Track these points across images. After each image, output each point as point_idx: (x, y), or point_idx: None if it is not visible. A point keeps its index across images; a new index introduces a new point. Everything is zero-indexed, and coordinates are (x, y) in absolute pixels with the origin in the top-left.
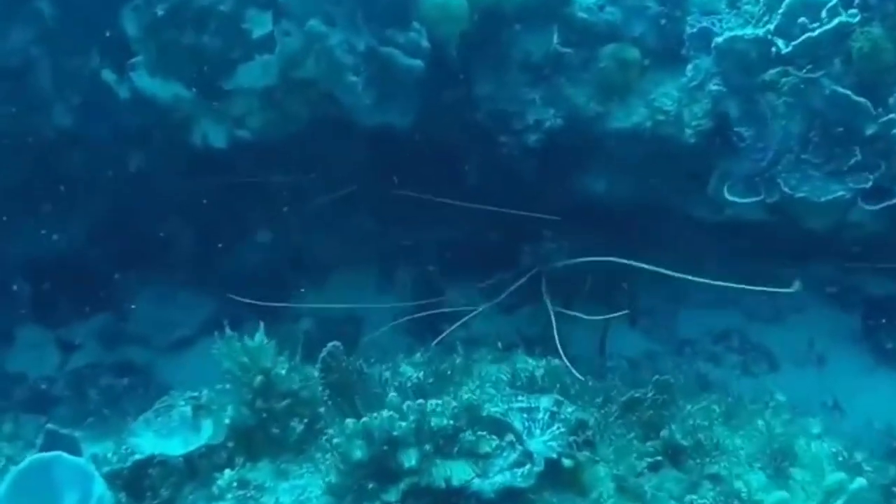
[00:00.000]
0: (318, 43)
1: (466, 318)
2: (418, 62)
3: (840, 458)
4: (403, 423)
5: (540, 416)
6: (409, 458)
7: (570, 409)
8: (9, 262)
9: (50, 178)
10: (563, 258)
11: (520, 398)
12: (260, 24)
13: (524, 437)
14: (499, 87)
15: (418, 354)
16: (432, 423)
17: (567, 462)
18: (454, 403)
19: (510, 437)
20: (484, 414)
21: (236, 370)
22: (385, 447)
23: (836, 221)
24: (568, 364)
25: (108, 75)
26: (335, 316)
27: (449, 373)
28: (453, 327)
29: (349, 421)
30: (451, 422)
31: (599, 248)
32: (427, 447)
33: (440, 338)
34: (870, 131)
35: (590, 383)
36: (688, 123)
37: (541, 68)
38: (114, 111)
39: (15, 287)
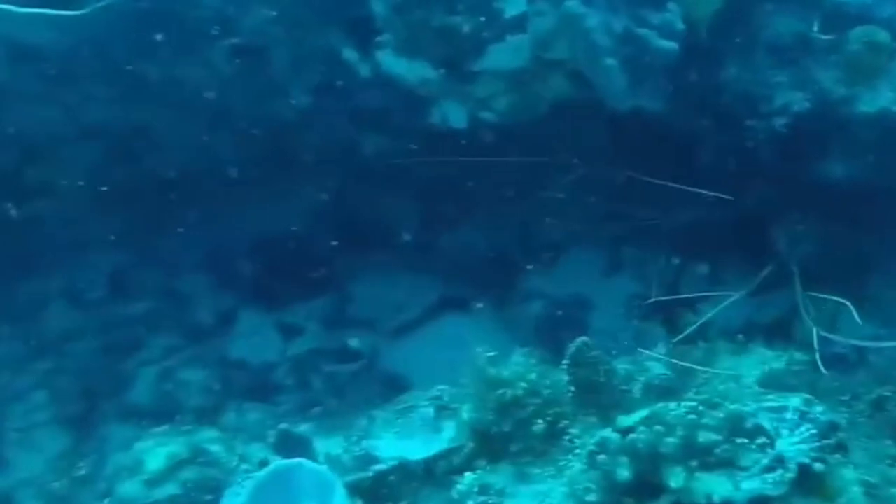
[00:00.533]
0: (575, 24)
1: (720, 307)
2: (673, 44)
3: None
4: (672, 440)
5: (789, 416)
6: (677, 478)
7: (819, 409)
8: (237, 244)
9: (284, 159)
10: (814, 242)
11: (769, 397)
12: (513, 4)
13: (775, 439)
14: (747, 69)
15: (659, 345)
16: (700, 439)
17: (818, 467)
18: (720, 415)
19: (762, 439)
20: (746, 420)
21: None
22: (650, 465)
23: None
24: (818, 359)
25: (349, 54)
26: (564, 299)
27: (691, 368)
28: (705, 318)
29: (612, 435)
30: (719, 437)
31: (840, 233)
32: (693, 463)
33: (690, 329)
34: None
35: (833, 378)
36: None
37: (790, 50)
38: (353, 91)
39: (240, 268)
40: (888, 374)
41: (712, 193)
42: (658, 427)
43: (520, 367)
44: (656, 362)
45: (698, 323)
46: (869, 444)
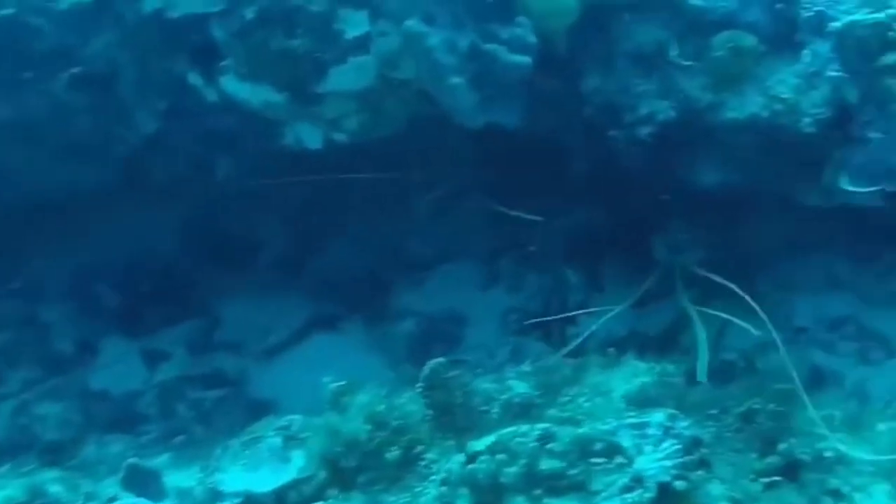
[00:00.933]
0: (417, 43)
1: (602, 320)
2: (526, 58)
3: None
4: (512, 469)
5: (652, 431)
6: None
7: (684, 424)
8: (94, 271)
9: (139, 184)
10: (698, 250)
11: (630, 413)
12: (354, 25)
13: (633, 457)
14: (608, 79)
15: (526, 364)
16: (543, 467)
17: (680, 485)
18: (576, 435)
19: (620, 458)
20: (596, 442)
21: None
22: (492, 496)
23: None
24: (704, 369)
25: (194, 79)
26: (438, 314)
27: (557, 384)
28: (588, 332)
29: (455, 465)
30: (564, 464)
31: (723, 240)
32: (537, 492)
33: (570, 346)
34: None
35: (705, 391)
36: (806, 112)
37: (652, 59)
38: (200, 116)
39: (100, 296)
40: (761, 386)
41: (527, 216)
42: (501, 455)
43: (368, 397)
44: (519, 381)
45: (581, 338)
46: (735, 458)
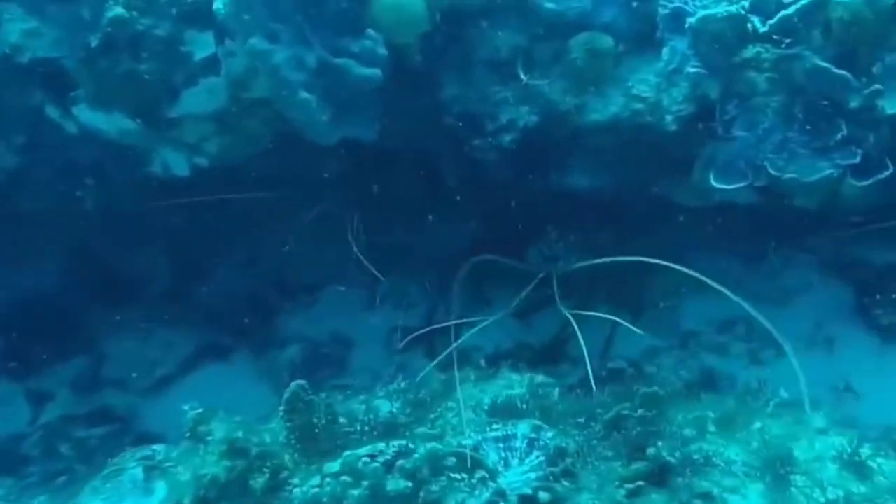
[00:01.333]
0: (263, 61)
1: (472, 331)
2: (376, 71)
3: (844, 457)
4: (356, 492)
5: (518, 444)
6: None
7: (549, 435)
8: None
9: (7, 221)
10: (573, 257)
11: (495, 426)
12: (202, 47)
13: (499, 471)
14: (467, 88)
15: (396, 382)
16: (388, 488)
17: (543, 496)
18: (416, 454)
19: (481, 473)
20: (448, 459)
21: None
22: None
23: (828, 198)
24: (591, 377)
25: (51, 111)
26: (323, 339)
27: (428, 401)
28: (455, 345)
29: (307, 487)
30: (409, 483)
31: (602, 245)
32: None
33: (438, 358)
34: (854, 104)
35: (574, 400)
36: (668, 109)
37: (511, 65)
38: (62, 148)
39: None
40: (630, 391)
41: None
42: (345, 478)
43: (226, 425)
44: (387, 400)
45: (449, 350)
46: (603, 466)
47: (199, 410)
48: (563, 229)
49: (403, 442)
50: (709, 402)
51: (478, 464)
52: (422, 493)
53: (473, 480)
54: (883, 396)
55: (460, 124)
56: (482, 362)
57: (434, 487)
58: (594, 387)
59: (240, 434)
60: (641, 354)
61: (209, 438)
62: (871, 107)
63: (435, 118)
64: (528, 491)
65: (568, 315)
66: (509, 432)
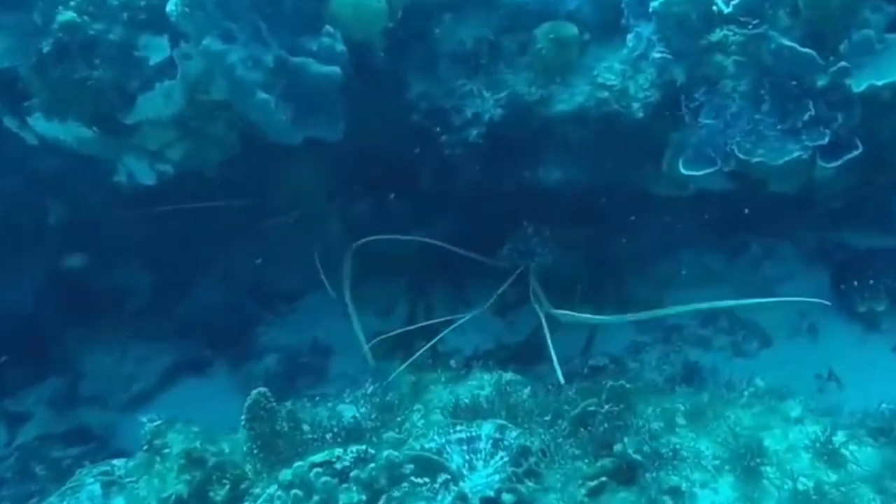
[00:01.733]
0: (219, 62)
1: (447, 330)
2: (335, 69)
3: (818, 446)
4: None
5: (482, 445)
6: None
7: (513, 435)
8: None
9: None
10: (550, 253)
11: (458, 428)
12: (156, 51)
13: (464, 473)
14: (432, 83)
15: (365, 387)
16: (343, 501)
17: (507, 498)
18: (371, 465)
19: (444, 476)
20: (407, 466)
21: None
22: None
23: (803, 182)
24: (559, 375)
25: (9, 122)
26: (301, 348)
27: (395, 404)
28: (430, 343)
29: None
30: (363, 497)
31: (580, 239)
32: None
33: (409, 360)
34: (821, 83)
35: (541, 397)
36: (634, 96)
37: (476, 58)
38: (22, 160)
39: None
40: (597, 387)
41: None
42: (296, 491)
43: (182, 436)
44: (352, 406)
45: (424, 348)
46: (568, 464)
47: (157, 423)
48: (538, 224)
49: (363, 447)
50: (680, 395)
51: (439, 467)
52: (381, 501)
53: (436, 485)
54: (864, 384)
55: (428, 121)
56: (452, 363)
57: (395, 493)
58: (562, 381)
59: (197, 444)
60: (624, 350)
61: (166, 452)
62: (838, 85)
63: (402, 116)
64: (491, 493)
65: (540, 314)
66: (473, 433)
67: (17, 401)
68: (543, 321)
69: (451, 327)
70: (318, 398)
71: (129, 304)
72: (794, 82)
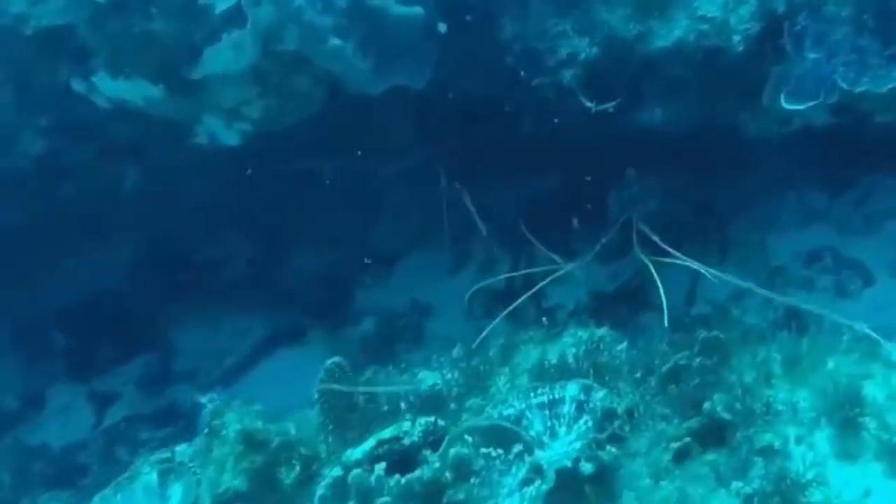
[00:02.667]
0: (285, 5)
1: (545, 281)
2: (417, 9)
3: None
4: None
5: (565, 409)
6: None
7: (599, 396)
8: (45, 316)
9: (42, 213)
10: (655, 199)
11: (540, 392)
12: None
13: (544, 441)
14: (524, 24)
15: (456, 349)
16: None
17: (586, 467)
18: (437, 463)
19: (518, 447)
20: (493, 433)
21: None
22: None
23: None
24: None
25: (78, 85)
26: (399, 309)
27: (483, 368)
28: (526, 295)
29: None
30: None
31: (682, 184)
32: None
33: (495, 322)
34: None
35: (634, 352)
36: (735, 29)
37: None
38: (94, 126)
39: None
40: (692, 339)
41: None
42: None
43: (240, 417)
44: (432, 372)
45: (517, 302)
46: (656, 425)
47: (217, 403)
48: (641, 169)
49: (432, 419)
50: (779, 342)
51: (515, 437)
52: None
53: (510, 457)
54: None
55: (522, 64)
56: (544, 320)
57: (471, 468)
58: (667, 325)
59: (259, 425)
60: (728, 297)
61: (223, 434)
62: None
63: (496, 59)
64: (569, 463)
65: (646, 261)
66: (556, 396)
67: (106, 381)
68: (651, 268)
69: (549, 279)
70: (404, 365)
71: (229, 276)
72: None
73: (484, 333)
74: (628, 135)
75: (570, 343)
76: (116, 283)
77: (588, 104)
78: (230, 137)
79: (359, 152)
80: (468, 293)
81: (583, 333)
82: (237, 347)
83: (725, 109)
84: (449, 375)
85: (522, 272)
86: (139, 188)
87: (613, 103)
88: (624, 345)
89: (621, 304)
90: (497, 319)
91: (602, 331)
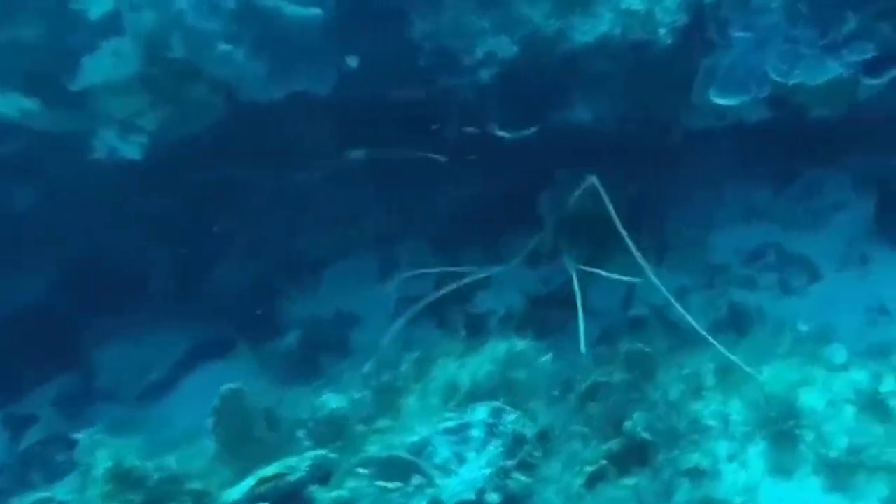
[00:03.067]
0: (166, 8)
1: (460, 283)
2: (315, 11)
3: (863, 397)
4: None
5: (474, 434)
6: None
7: (511, 418)
8: None
9: None
10: (587, 199)
11: (448, 416)
12: (97, 3)
13: (450, 470)
14: (438, 21)
15: (368, 365)
16: None
17: (492, 498)
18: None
19: (418, 479)
20: (391, 465)
21: None
22: None
23: (848, 104)
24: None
25: None
26: (325, 319)
27: (394, 386)
28: (428, 300)
29: None
30: None
31: (615, 182)
32: None
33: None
34: None
35: (554, 367)
36: (661, 21)
37: None
38: None
39: None
40: (611, 355)
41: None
42: None
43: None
44: (337, 394)
45: (423, 303)
46: (572, 447)
47: (89, 438)
48: (572, 170)
49: (323, 453)
50: (715, 349)
51: (413, 468)
52: None
53: (409, 489)
54: None
55: (435, 63)
56: (464, 332)
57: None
58: (583, 350)
59: (133, 462)
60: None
61: (94, 472)
62: None
63: (408, 60)
64: (472, 496)
65: (571, 271)
66: (466, 420)
67: (23, 403)
68: (575, 280)
69: (464, 282)
70: (318, 384)
71: (152, 289)
72: None
73: (389, 338)
74: (557, 134)
75: (488, 359)
76: (33, 303)
77: (501, 133)
78: (130, 150)
79: (271, 159)
80: (393, 294)
81: (503, 347)
82: (160, 363)
83: (658, 105)
84: (358, 395)
85: (436, 270)
86: (39, 207)
87: (529, 131)
88: (547, 358)
89: (555, 309)
90: (399, 323)
91: (523, 343)
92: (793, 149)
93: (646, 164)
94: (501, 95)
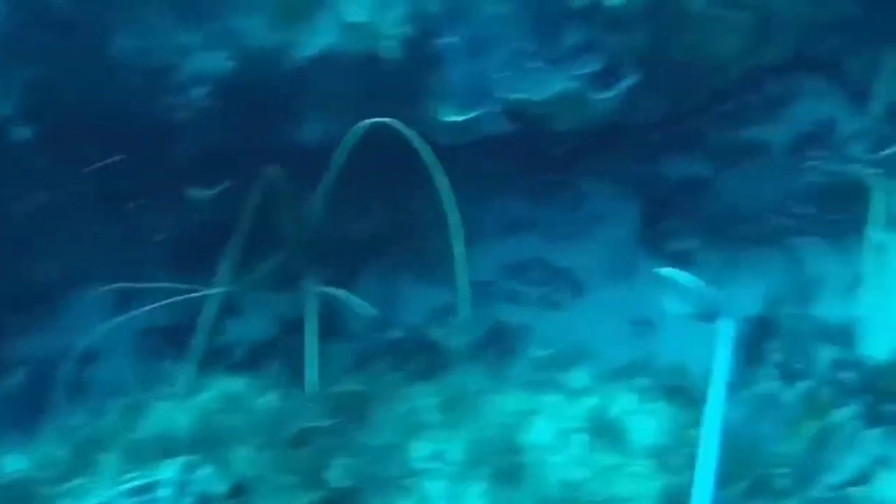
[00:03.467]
0: None
1: (150, 307)
2: None
3: (597, 423)
4: None
5: (162, 494)
6: None
7: (205, 473)
8: None
9: None
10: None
11: (132, 474)
12: None
13: None
14: (141, 35)
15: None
16: None
17: None
18: None
19: None
20: None
21: None
22: None
23: (586, 116)
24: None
25: None
26: (56, 357)
27: (92, 441)
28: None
29: None
30: None
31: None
32: None
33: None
34: (578, 2)
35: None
36: (385, 34)
37: (204, 3)
38: None
39: None
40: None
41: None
42: None
43: None
44: (18, 454)
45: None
46: (274, 500)
47: None
48: (311, 190)
49: None
50: (439, 383)
51: None
52: None
53: None
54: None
55: (142, 83)
56: (182, 375)
57: None
58: (308, 391)
59: None
60: (428, 315)
61: None
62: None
63: (108, 79)
64: None
65: (308, 296)
66: (152, 479)
67: None
68: (309, 308)
69: (166, 302)
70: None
71: None
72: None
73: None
74: (289, 154)
75: (198, 403)
76: None
77: (195, 194)
78: None
79: None
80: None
81: (218, 388)
82: None
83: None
84: (55, 452)
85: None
86: None
87: (222, 186)
88: (268, 397)
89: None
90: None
91: (243, 381)
92: (549, 161)
93: (399, 181)
94: (221, 114)
